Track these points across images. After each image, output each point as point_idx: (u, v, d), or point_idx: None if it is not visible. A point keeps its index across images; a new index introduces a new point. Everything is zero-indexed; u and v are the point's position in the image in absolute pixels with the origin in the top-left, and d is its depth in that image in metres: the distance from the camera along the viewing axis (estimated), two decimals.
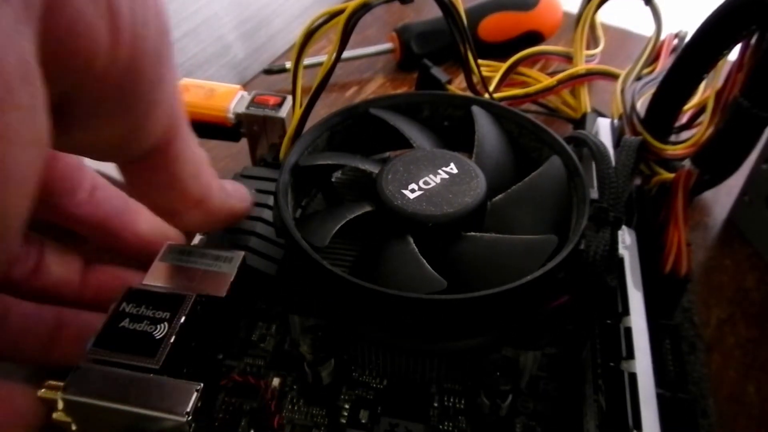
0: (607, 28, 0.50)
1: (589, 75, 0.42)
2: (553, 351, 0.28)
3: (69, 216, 0.28)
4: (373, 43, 0.51)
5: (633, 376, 0.24)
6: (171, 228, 0.29)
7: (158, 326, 0.24)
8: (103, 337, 0.24)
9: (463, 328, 0.25)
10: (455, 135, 0.32)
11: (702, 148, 0.31)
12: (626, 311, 0.26)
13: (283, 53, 0.53)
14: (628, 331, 0.25)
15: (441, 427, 0.26)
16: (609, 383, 0.24)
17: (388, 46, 0.51)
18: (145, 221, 0.30)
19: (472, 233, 0.26)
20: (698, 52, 0.32)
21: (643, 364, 0.24)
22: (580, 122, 0.41)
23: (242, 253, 0.28)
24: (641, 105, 0.37)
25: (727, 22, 0.30)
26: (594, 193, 0.28)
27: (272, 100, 0.36)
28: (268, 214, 0.31)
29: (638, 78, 0.39)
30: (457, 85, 0.43)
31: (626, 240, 0.29)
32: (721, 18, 0.30)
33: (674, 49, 0.43)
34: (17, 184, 0.17)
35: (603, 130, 0.36)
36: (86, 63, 0.18)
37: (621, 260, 0.28)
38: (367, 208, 0.27)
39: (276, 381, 0.27)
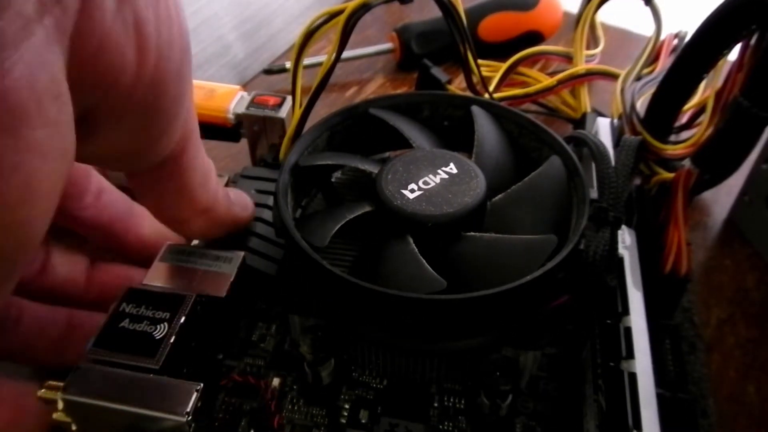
0: (607, 28, 0.50)
1: (589, 75, 0.42)
2: (553, 351, 0.28)
3: (75, 218, 0.29)
4: (373, 43, 0.51)
5: (633, 376, 0.24)
6: (173, 232, 0.29)
7: (158, 326, 0.24)
8: (103, 337, 0.24)
9: (463, 328, 0.25)
10: (455, 135, 0.32)
11: (702, 148, 0.31)
12: (626, 311, 0.26)
13: (283, 53, 0.53)
14: (628, 331, 0.25)
15: (441, 427, 0.26)
16: (609, 383, 0.24)
17: (388, 46, 0.51)
18: (148, 225, 0.30)
19: (472, 233, 0.26)
20: (698, 52, 0.32)
21: (643, 364, 0.24)
22: (580, 122, 0.41)
23: (242, 253, 0.28)
24: (641, 105, 0.37)
25: (727, 22, 0.30)
26: (594, 193, 0.28)
27: (272, 101, 0.36)
28: (268, 214, 0.31)
29: (638, 78, 0.39)
30: (457, 85, 0.43)
31: (626, 240, 0.29)
32: (721, 18, 0.30)
33: (674, 49, 0.43)
34: (43, 198, 0.17)
35: (603, 130, 0.36)
36: (113, 81, 0.18)
37: (621, 260, 0.28)
38: (367, 208, 0.27)
39: (276, 381, 0.28)
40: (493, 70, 0.44)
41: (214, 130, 0.37)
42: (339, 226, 0.26)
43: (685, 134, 0.37)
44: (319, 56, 0.44)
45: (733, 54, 0.31)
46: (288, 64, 0.48)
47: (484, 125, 0.31)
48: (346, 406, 0.27)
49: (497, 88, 0.42)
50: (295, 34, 0.31)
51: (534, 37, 0.51)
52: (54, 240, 0.29)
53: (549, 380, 0.28)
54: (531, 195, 0.28)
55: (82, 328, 0.27)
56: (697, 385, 0.27)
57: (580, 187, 0.27)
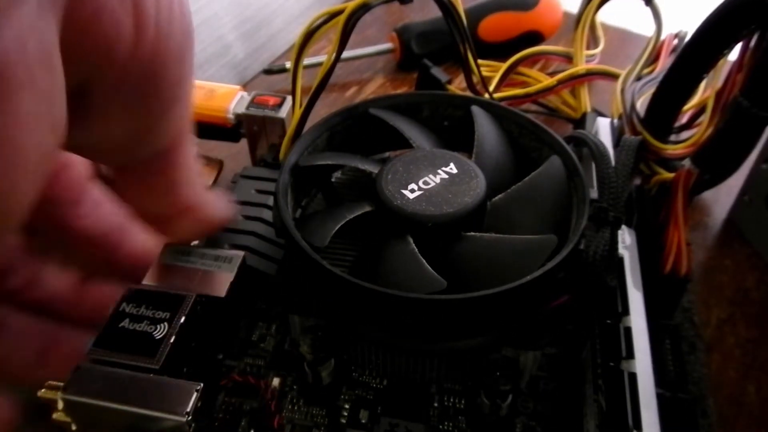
0: (607, 28, 0.50)
1: (589, 75, 0.42)
2: (553, 351, 0.28)
3: (69, 227, 0.28)
4: (373, 43, 0.51)
5: (633, 376, 0.24)
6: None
7: (158, 326, 0.24)
8: (103, 337, 0.24)
9: (463, 328, 0.25)
10: (455, 135, 0.32)
11: (702, 148, 0.31)
12: (626, 311, 0.26)
13: (283, 53, 0.53)
14: (628, 331, 0.25)
15: (441, 427, 0.26)
16: (609, 383, 0.24)
17: (388, 46, 0.51)
18: (142, 240, 0.30)
19: (472, 233, 0.26)
20: (698, 52, 0.32)
21: (643, 364, 0.24)
22: (580, 122, 0.41)
23: (242, 253, 0.28)
24: (641, 105, 0.37)
25: (727, 22, 0.30)
26: (594, 193, 0.28)
27: (272, 101, 0.36)
28: (268, 214, 0.31)
29: (638, 78, 0.39)
30: (457, 85, 0.43)
31: (626, 240, 0.29)
32: (721, 18, 0.30)
33: (674, 49, 0.43)
34: (29, 171, 0.17)
35: (603, 129, 0.36)
36: (108, 53, 0.18)
37: (621, 260, 0.28)
38: (367, 208, 0.27)
39: (276, 381, 0.28)
40: (493, 70, 0.44)
41: (214, 130, 0.37)
42: (339, 226, 0.26)
43: (685, 134, 0.37)
44: (319, 56, 0.44)
45: (733, 54, 0.31)
46: (288, 64, 0.48)
47: (484, 125, 0.31)
48: (346, 406, 0.27)
49: (497, 88, 0.42)
50: (295, 34, 0.31)
51: (534, 37, 0.51)
52: (46, 253, 0.29)
53: (549, 380, 0.28)
54: (531, 195, 0.28)
55: (67, 344, 0.26)
56: (697, 385, 0.27)
57: (580, 187, 0.27)
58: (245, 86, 0.47)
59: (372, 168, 0.29)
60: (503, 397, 0.25)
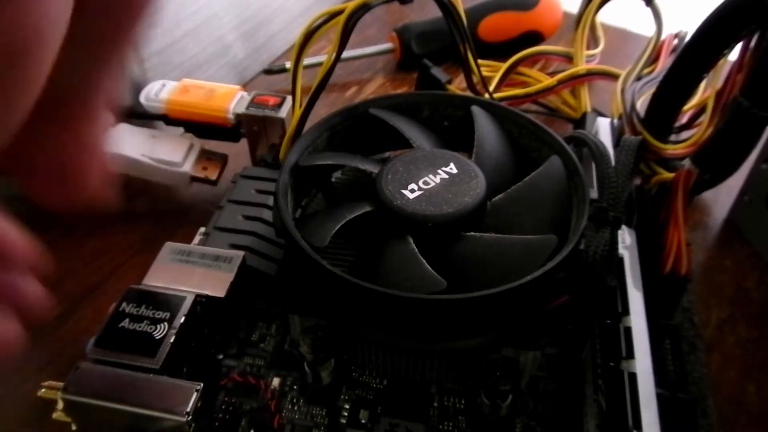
0: (607, 28, 0.50)
1: (589, 75, 0.42)
2: (553, 351, 0.28)
3: None
4: (373, 43, 0.51)
5: (633, 376, 0.24)
6: None
7: (158, 326, 0.24)
8: (103, 337, 0.24)
9: (464, 328, 0.25)
10: (455, 135, 0.32)
11: (702, 148, 0.31)
12: (626, 311, 0.26)
13: (283, 53, 0.53)
14: (628, 331, 0.25)
15: (441, 427, 0.26)
16: (609, 383, 0.24)
17: (388, 46, 0.51)
18: None
19: (472, 233, 0.26)
20: (698, 52, 0.32)
21: (643, 364, 0.24)
22: (580, 122, 0.41)
23: (242, 253, 0.28)
24: (641, 105, 0.37)
25: (727, 22, 0.30)
26: (594, 193, 0.28)
27: (272, 101, 0.36)
28: (267, 215, 0.31)
29: (638, 78, 0.39)
30: (457, 85, 0.43)
31: (626, 240, 0.29)
32: (721, 18, 0.30)
33: (674, 49, 0.43)
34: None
35: (603, 129, 0.36)
36: None
37: (621, 260, 0.28)
38: (367, 208, 0.27)
39: (276, 381, 0.28)
40: (493, 70, 0.44)
41: (214, 130, 0.37)
42: (339, 226, 0.26)
43: (685, 134, 0.37)
44: (319, 56, 0.44)
45: (734, 54, 0.31)
46: (288, 64, 0.48)
47: (484, 125, 0.31)
48: (346, 406, 0.27)
49: (497, 88, 0.42)
50: (295, 34, 0.31)
51: (534, 37, 0.51)
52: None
53: (549, 380, 0.28)
54: (531, 195, 0.28)
55: None
56: (697, 385, 0.27)
57: (580, 187, 0.27)
58: (245, 86, 0.47)
59: (372, 168, 0.29)
60: (503, 397, 0.25)
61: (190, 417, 0.22)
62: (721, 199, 0.39)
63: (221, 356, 0.28)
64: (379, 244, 0.26)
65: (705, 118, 0.33)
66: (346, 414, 0.27)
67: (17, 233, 0.22)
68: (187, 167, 0.36)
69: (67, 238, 0.37)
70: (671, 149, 0.34)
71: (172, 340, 0.24)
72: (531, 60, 0.44)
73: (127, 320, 0.25)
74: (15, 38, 0.16)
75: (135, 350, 0.24)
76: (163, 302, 0.25)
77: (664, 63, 0.41)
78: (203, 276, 0.27)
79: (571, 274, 0.25)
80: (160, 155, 0.36)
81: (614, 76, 0.41)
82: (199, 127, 0.38)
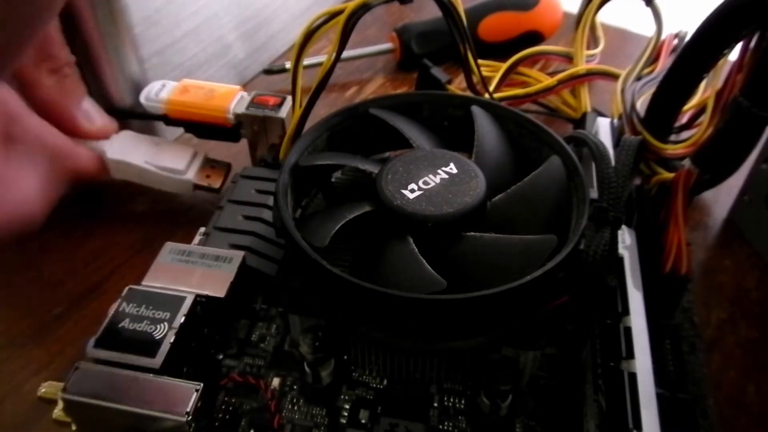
0: (607, 28, 0.50)
1: (589, 75, 0.42)
2: (553, 351, 0.28)
3: None
4: (373, 43, 0.51)
5: (633, 376, 0.24)
6: None
7: (158, 326, 0.24)
8: (103, 337, 0.24)
9: (463, 328, 0.25)
10: (455, 135, 0.32)
11: (702, 148, 0.31)
12: (626, 311, 0.26)
13: (283, 53, 0.53)
14: (628, 331, 0.25)
15: (441, 427, 0.26)
16: (609, 383, 0.24)
17: (388, 46, 0.51)
18: None
19: (472, 233, 0.26)
20: (698, 52, 0.32)
21: (643, 364, 0.24)
22: (580, 122, 0.41)
23: (242, 253, 0.28)
24: (641, 105, 0.37)
25: (727, 22, 0.30)
26: (594, 193, 0.28)
27: (272, 101, 0.36)
28: (267, 215, 0.31)
29: (638, 78, 0.39)
30: (457, 85, 0.43)
31: (626, 240, 0.29)
32: (721, 18, 0.30)
33: (674, 49, 0.43)
34: None
35: (603, 129, 0.36)
36: None
37: (621, 260, 0.28)
38: (367, 208, 0.27)
39: (276, 381, 0.28)
40: (493, 70, 0.44)
41: (214, 130, 0.37)
42: (339, 226, 0.26)
43: (685, 134, 0.37)
44: (319, 56, 0.44)
45: (734, 54, 0.31)
46: (288, 64, 0.48)
47: (484, 125, 0.31)
48: (346, 406, 0.27)
49: (497, 88, 0.42)
50: (295, 34, 0.31)
51: (534, 37, 0.51)
52: None
53: (549, 380, 0.28)
54: (531, 195, 0.28)
55: None
56: (697, 385, 0.27)
57: (580, 187, 0.27)
58: (245, 86, 0.47)
59: (372, 168, 0.29)
60: (503, 397, 0.25)
61: (190, 417, 0.22)
62: (721, 199, 0.39)
63: (221, 356, 0.28)
64: (379, 244, 0.26)
65: (705, 118, 0.33)
66: (346, 414, 0.27)
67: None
68: (191, 175, 0.36)
69: (67, 238, 0.37)
70: (671, 149, 0.34)
71: (172, 340, 0.24)
72: (531, 60, 0.44)
73: (127, 320, 0.25)
74: None
75: (135, 350, 0.24)
76: (163, 302, 0.25)
77: (664, 63, 0.41)
78: (203, 276, 0.27)
79: (571, 274, 0.25)
80: (164, 162, 0.36)
81: (614, 76, 0.41)
82: (199, 127, 0.38)
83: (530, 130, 0.31)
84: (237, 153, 0.39)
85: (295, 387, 0.27)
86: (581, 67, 0.42)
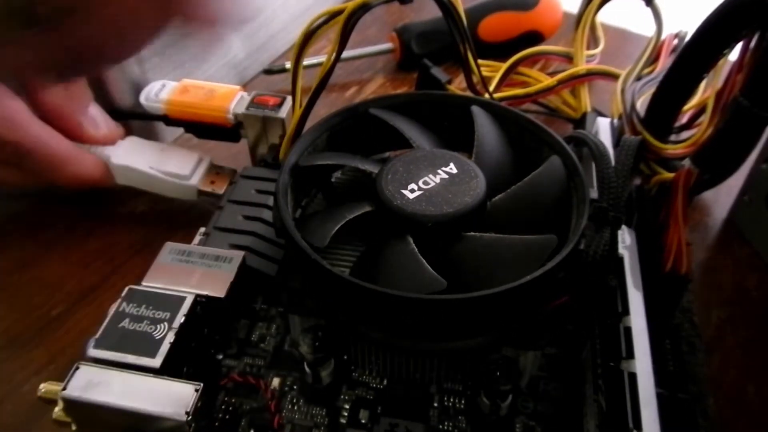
0: (607, 28, 0.50)
1: (589, 75, 0.42)
2: (553, 351, 0.28)
3: None
4: (373, 43, 0.51)
5: (633, 376, 0.24)
6: None
7: (158, 326, 0.24)
8: (103, 337, 0.24)
9: (463, 328, 0.25)
10: (455, 135, 0.32)
11: (702, 148, 0.31)
12: (626, 311, 0.26)
13: (283, 53, 0.53)
14: (628, 331, 0.25)
15: (441, 427, 0.26)
16: (609, 383, 0.24)
17: (388, 46, 0.51)
18: None
19: (472, 233, 0.26)
20: (698, 52, 0.32)
21: (643, 364, 0.24)
22: (580, 122, 0.41)
23: (242, 253, 0.28)
24: (641, 105, 0.37)
25: (727, 22, 0.30)
26: (594, 193, 0.28)
27: (272, 101, 0.36)
28: (267, 215, 0.31)
29: (638, 78, 0.39)
30: (457, 85, 0.43)
31: (626, 240, 0.29)
32: (721, 18, 0.30)
33: (674, 49, 0.43)
34: None
35: (603, 129, 0.36)
36: None
37: (621, 260, 0.28)
38: (367, 208, 0.27)
39: (276, 381, 0.28)
40: (493, 70, 0.44)
41: (214, 130, 0.37)
42: (339, 226, 0.26)
43: (685, 134, 0.37)
44: (319, 56, 0.44)
45: (734, 54, 0.31)
46: (288, 64, 0.48)
47: (484, 125, 0.31)
48: (346, 406, 0.27)
49: (497, 88, 0.42)
50: (295, 34, 0.31)
51: (534, 37, 0.51)
52: None
53: (549, 380, 0.28)
54: (531, 195, 0.28)
55: None
56: (697, 385, 0.27)
57: (580, 187, 0.27)
58: (245, 86, 0.47)
59: (372, 168, 0.29)
60: (503, 397, 0.25)
61: (190, 417, 0.22)
62: (721, 199, 0.39)
63: (221, 356, 0.28)
64: (379, 244, 0.26)
65: (705, 118, 0.33)
66: (346, 414, 0.27)
67: None
68: (195, 180, 0.36)
69: (67, 238, 0.37)
70: (671, 149, 0.34)
71: (172, 340, 0.24)
72: (531, 60, 0.44)
73: (127, 320, 0.25)
74: None
75: (135, 350, 0.24)
76: (163, 302, 0.25)
77: (664, 63, 0.41)
78: (203, 276, 0.27)
79: (571, 274, 0.25)
80: (169, 168, 0.36)
81: (614, 76, 0.41)
82: (199, 127, 0.38)
83: (530, 130, 0.31)
84: (237, 153, 0.39)
85: (295, 387, 0.27)
86: (581, 67, 0.42)
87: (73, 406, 0.23)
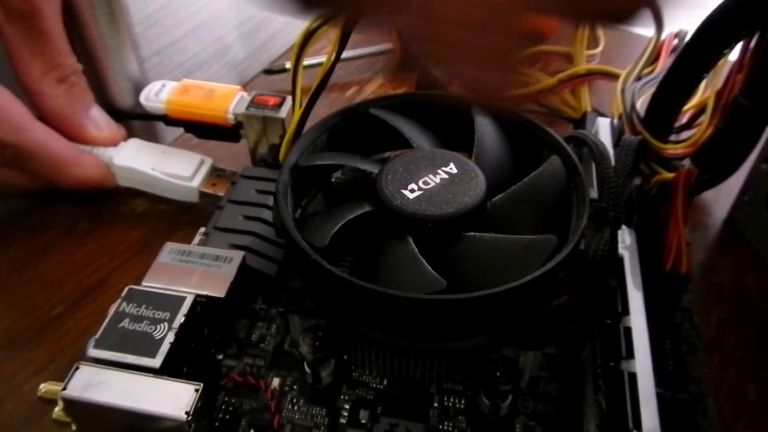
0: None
1: (590, 75, 0.42)
2: (553, 351, 0.28)
3: None
4: (373, 43, 0.51)
5: (633, 376, 0.24)
6: None
7: (158, 326, 0.24)
8: (103, 337, 0.24)
9: (463, 328, 0.25)
10: (455, 135, 0.32)
11: (702, 148, 0.31)
12: (626, 311, 0.26)
13: (283, 53, 0.53)
14: (628, 331, 0.25)
15: (441, 427, 0.26)
16: (609, 383, 0.24)
17: (388, 46, 0.51)
18: None
19: (472, 233, 0.26)
20: (698, 52, 0.32)
21: (643, 364, 0.24)
22: (580, 122, 0.41)
23: (242, 253, 0.28)
24: (641, 105, 0.37)
25: (727, 22, 0.30)
26: (594, 193, 0.28)
27: (272, 101, 0.36)
28: (267, 215, 0.31)
29: (638, 78, 0.39)
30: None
31: (626, 240, 0.29)
32: (721, 18, 0.30)
33: (674, 49, 0.43)
34: None
35: (603, 129, 0.36)
36: None
37: (621, 260, 0.28)
38: (367, 208, 0.27)
39: (276, 381, 0.28)
40: None
41: (214, 130, 0.37)
42: (339, 226, 0.26)
43: (685, 134, 0.37)
44: (319, 56, 0.44)
45: (734, 54, 0.31)
46: (288, 64, 0.48)
47: (484, 125, 0.31)
48: (346, 406, 0.27)
49: None
50: (295, 34, 0.31)
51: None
52: None
53: (549, 380, 0.28)
54: (531, 195, 0.28)
55: None
56: (697, 385, 0.27)
57: (580, 187, 0.27)
58: (245, 86, 0.47)
59: (372, 168, 0.29)
60: (503, 397, 0.25)
61: (190, 417, 0.22)
62: (721, 199, 0.39)
63: (221, 356, 0.28)
64: (379, 244, 0.26)
65: (705, 118, 0.33)
66: (346, 414, 0.27)
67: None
68: (197, 182, 0.36)
69: (67, 238, 0.37)
70: (671, 149, 0.34)
71: (171, 340, 0.24)
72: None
73: (127, 320, 0.25)
74: None
75: (135, 350, 0.24)
76: (163, 302, 0.25)
77: (664, 63, 0.41)
78: (203, 276, 0.27)
79: (571, 274, 0.25)
80: (171, 169, 0.36)
81: (614, 76, 0.41)
82: (199, 127, 0.38)
83: (530, 130, 0.31)
84: (237, 153, 0.39)
85: (295, 387, 0.27)
86: (581, 67, 0.42)
87: (73, 406, 0.23)
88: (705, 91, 0.37)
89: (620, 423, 0.23)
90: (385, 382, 0.28)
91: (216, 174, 0.37)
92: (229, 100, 0.36)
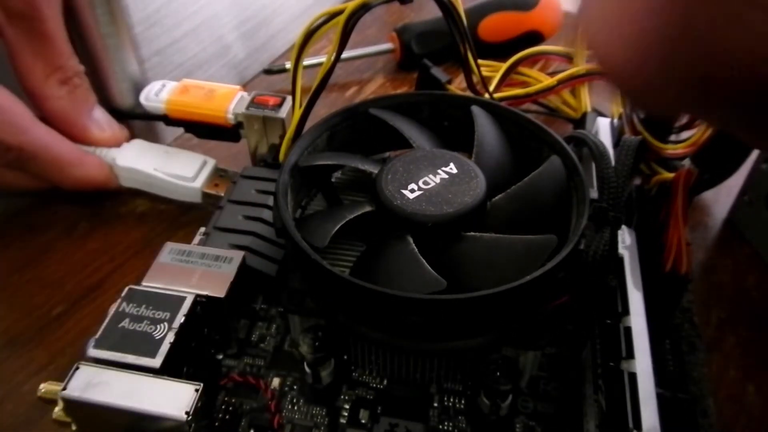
0: None
1: (590, 75, 0.42)
2: (553, 351, 0.28)
3: None
4: (373, 43, 0.51)
5: (633, 376, 0.24)
6: None
7: (158, 326, 0.24)
8: (103, 337, 0.24)
9: (463, 328, 0.25)
10: (455, 135, 0.32)
11: (702, 148, 0.31)
12: (626, 311, 0.26)
13: (283, 53, 0.53)
14: (628, 331, 0.25)
15: (441, 427, 0.26)
16: (609, 383, 0.24)
17: (388, 46, 0.51)
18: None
19: (472, 233, 0.26)
20: None
21: (643, 364, 0.24)
22: (580, 122, 0.41)
23: (242, 253, 0.28)
24: None
25: None
26: (594, 193, 0.28)
27: (272, 101, 0.36)
28: (267, 215, 0.31)
29: None
30: (457, 85, 0.43)
31: (626, 240, 0.29)
32: None
33: None
34: None
35: (603, 129, 0.36)
36: None
37: (621, 260, 0.28)
38: (367, 208, 0.27)
39: (276, 381, 0.28)
40: (493, 70, 0.44)
41: (214, 130, 0.37)
42: (339, 226, 0.26)
43: (685, 134, 0.37)
44: (319, 56, 0.44)
45: None
46: (288, 64, 0.48)
47: (484, 125, 0.31)
48: (346, 406, 0.27)
49: (497, 88, 0.42)
50: (295, 34, 0.31)
51: (534, 37, 0.51)
52: None
53: (549, 380, 0.28)
54: (531, 195, 0.28)
55: None
56: (697, 385, 0.27)
57: (580, 187, 0.27)
58: (245, 86, 0.47)
59: (372, 168, 0.29)
60: (503, 397, 0.25)
61: (190, 417, 0.22)
62: (721, 199, 0.39)
63: (221, 356, 0.28)
64: (379, 244, 0.26)
65: None
66: (346, 414, 0.27)
67: None
68: (199, 183, 0.36)
69: (67, 238, 0.37)
70: (671, 149, 0.34)
71: (171, 340, 0.24)
72: (531, 60, 0.44)
73: (127, 320, 0.25)
74: None
75: (135, 350, 0.24)
76: (163, 302, 0.25)
77: None
78: (203, 276, 0.27)
79: (571, 274, 0.25)
80: (173, 170, 0.36)
81: None
82: (199, 127, 0.38)
83: (530, 130, 0.31)
84: (237, 153, 0.39)
85: (295, 387, 0.27)
86: (581, 67, 0.42)
87: (73, 406, 0.23)
88: None
89: (620, 423, 0.23)
90: (385, 382, 0.28)
91: (218, 174, 0.37)
92: (229, 100, 0.36)
